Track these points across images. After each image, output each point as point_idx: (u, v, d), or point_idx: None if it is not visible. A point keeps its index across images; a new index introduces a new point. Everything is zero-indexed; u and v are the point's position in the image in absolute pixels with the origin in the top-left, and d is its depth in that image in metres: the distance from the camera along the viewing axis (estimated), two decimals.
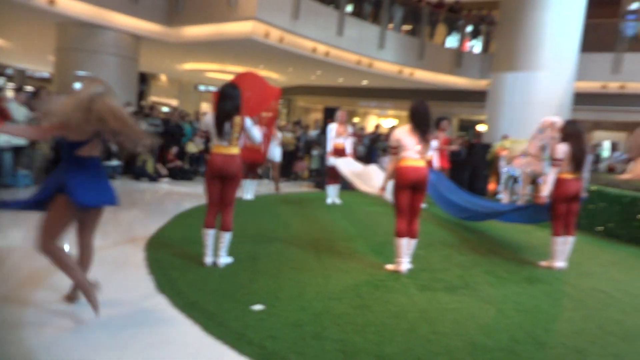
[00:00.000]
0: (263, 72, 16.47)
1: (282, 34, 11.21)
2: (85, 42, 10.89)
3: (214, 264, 4.00)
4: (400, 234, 4.11)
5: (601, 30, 14.66)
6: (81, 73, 10.84)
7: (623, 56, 13.79)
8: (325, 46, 12.40)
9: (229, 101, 3.85)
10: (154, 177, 9.36)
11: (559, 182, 4.65)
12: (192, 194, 8.19)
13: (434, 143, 7.49)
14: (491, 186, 9.43)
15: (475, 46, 16.20)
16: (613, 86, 13.44)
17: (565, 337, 3.01)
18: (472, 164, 11.40)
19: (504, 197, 8.37)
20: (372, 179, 6.11)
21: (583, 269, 4.73)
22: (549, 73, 10.86)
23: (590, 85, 13.61)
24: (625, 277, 4.57)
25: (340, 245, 5.15)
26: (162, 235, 4.95)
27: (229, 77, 16.00)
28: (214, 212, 3.99)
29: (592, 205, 6.75)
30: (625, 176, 8.17)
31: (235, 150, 3.93)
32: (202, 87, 20.95)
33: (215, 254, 4.04)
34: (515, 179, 8.18)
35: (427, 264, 4.52)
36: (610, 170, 12.34)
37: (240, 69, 15.86)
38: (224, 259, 4.05)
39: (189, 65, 16.27)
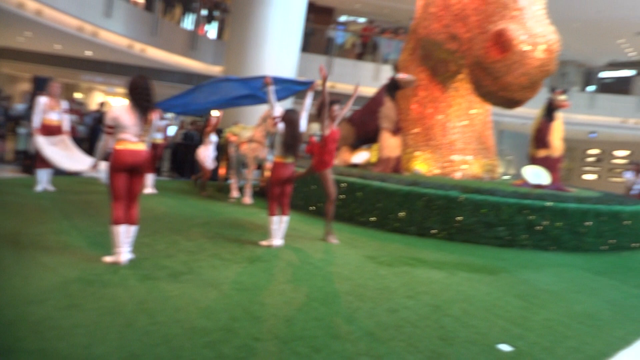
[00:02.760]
0: None
1: None
2: None
3: None
4: (117, 221, 3.80)
5: (318, 35, 16.81)
6: None
7: (334, 60, 16.14)
8: (37, 3, 10.48)
9: None
10: None
11: (274, 166, 5.09)
12: None
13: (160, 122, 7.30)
14: (222, 170, 9.73)
15: (211, 31, 16.38)
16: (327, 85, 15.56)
17: (277, 308, 3.31)
18: None
19: (232, 182, 8.74)
20: (81, 157, 5.48)
21: (296, 245, 5.32)
22: (273, 66, 11.79)
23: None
24: (328, 249, 5.34)
25: (49, 239, 4.47)
26: None
27: None
28: None
29: (306, 188, 7.68)
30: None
31: None
32: None
33: None
34: (243, 164, 8.62)
35: (151, 252, 4.33)
36: None
37: None
38: None
39: None
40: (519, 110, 9.64)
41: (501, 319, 3.55)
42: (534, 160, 9.06)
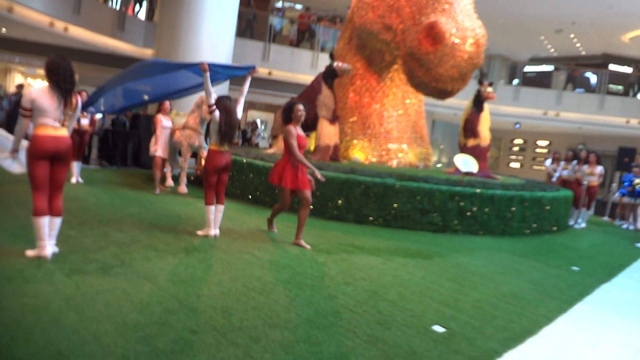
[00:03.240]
0: None
1: None
2: None
3: None
4: (39, 213, 3.54)
5: (254, 21, 16.49)
6: None
7: (270, 47, 15.92)
8: None
9: None
10: None
11: (209, 155, 4.95)
12: None
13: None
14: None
15: (140, 11, 15.58)
16: (263, 72, 15.35)
17: (214, 299, 3.24)
18: (137, 135, 11.07)
19: (167, 171, 8.43)
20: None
21: (234, 235, 5.23)
22: (208, 50, 11.44)
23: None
24: (266, 238, 5.30)
25: None
26: None
27: None
28: None
29: (244, 176, 7.56)
30: (269, 151, 9.50)
31: None
32: None
33: None
34: (179, 152, 8.34)
35: (79, 245, 4.09)
36: (256, 145, 14.20)
37: None
38: None
39: None
40: (450, 101, 10.04)
41: (435, 302, 3.70)
42: (464, 149, 9.49)
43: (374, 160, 9.48)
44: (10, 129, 10.06)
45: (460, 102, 10.99)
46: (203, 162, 7.58)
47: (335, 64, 8.85)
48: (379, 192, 6.60)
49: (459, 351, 2.88)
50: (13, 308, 2.74)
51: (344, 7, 18.07)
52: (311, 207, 6.82)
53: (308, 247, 5.00)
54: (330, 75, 8.90)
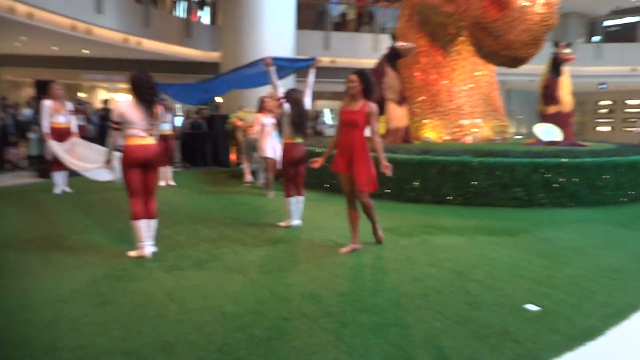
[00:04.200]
0: None
1: None
2: None
3: None
4: (137, 216, 3.87)
5: (312, 11, 16.56)
6: None
7: (331, 35, 15.93)
8: (26, 6, 10.40)
9: None
10: None
11: (284, 148, 5.09)
12: None
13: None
14: (233, 156, 9.76)
15: (204, 17, 16.19)
16: (325, 61, 15.40)
17: (302, 287, 3.36)
18: (214, 136, 11.59)
19: (245, 167, 8.77)
20: (97, 157, 5.45)
21: (315, 223, 5.35)
22: (271, 47, 11.66)
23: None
24: (347, 225, 5.35)
25: (74, 239, 4.55)
26: None
27: None
28: None
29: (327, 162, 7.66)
30: None
31: None
32: None
33: None
34: (253, 148, 8.63)
35: (174, 243, 4.40)
36: (317, 133, 14.23)
37: None
38: None
39: None
40: (525, 68, 9.47)
41: (526, 280, 3.57)
42: (544, 118, 8.96)
43: (447, 138, 9.23)
44: (101, 141, 10.92)
45: (536, 67, 10.34)
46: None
47: (397, 44, 8.68)
48: (455, 171, 6.43)
49: (557, 329, 2.77)
50: (123, 304, 3.01)
51: None
52: (387, 190, 6.82)
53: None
54: (393, 56, 8.75)
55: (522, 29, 7.30)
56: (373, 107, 4.08)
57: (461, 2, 8.48)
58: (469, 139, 9.15)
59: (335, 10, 17.77)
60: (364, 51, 15.86)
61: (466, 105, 9.42)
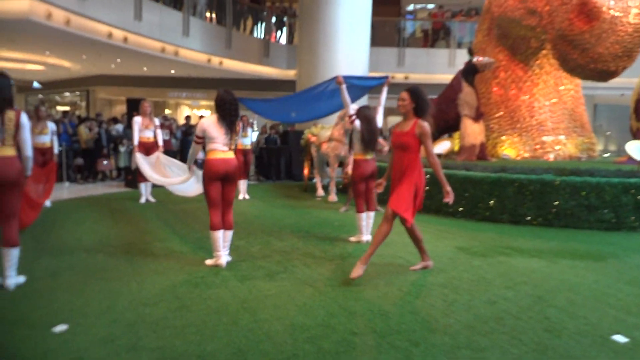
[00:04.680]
0: (51, 60, 14.44)
1: (68, 16, 9.93)
2: None
3: (1, 286, 3.39)
4: (215, 227, 4.05)
5: (386, 28, 16.61)
6: None
7: (405, 51, 15.87)
8: (123, 31, 11.41)
9: None
10: None
11: (355, 164, 5.12)
12: None
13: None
14: (306, 171, 9.95)
15: (281, 37, 16.78)
16: (399, 77, 15.36)
17: (372, 303, 3.34)
18: (288, 150, 11.90)
19: (317, 181, 8.90)
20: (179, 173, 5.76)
21: (385, 240, 5.28)
22: (345, 65, 11.82)
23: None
24: None
25: (156, 246, 4.85)
26: None
27: (7, 65, 13.66)
28: None
29: (387, 182, 7.61)
30: None
31: (10, 152, 3.35)
32: None
33: (1, 274, 3.43)
34: (326, 163, 8.76)
35: (248, 254, 4.55)
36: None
37: (20, 55, 13.63)
38: (14, 279, 3.45)
39: None
40: (615, 81, 8.86)
41: (613, 308, 3.30)
42: (637, 134, 8.30)
43: (526, 155, 8.81)
44: (183, 155, 11.58)
45: (627, 80, 9.63)
46: (348, 170, 7.83)
47: (474, 58, 8.47)
48: (535, 190, 6.11)
49: None
50: (199, 310, 3.15)
51: None
52: (460, 209, 6.61)
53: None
54: (470, 71, 8.54)
55: (613, 41, 6.87)
56: (424, 126, 3.79)
57: (545, 14, 8.14)
58: (550, 157, 8.67)
59: (411, 26, 17.70)
60: (440, 67, 15.63)
61: (548, 121, 8.96)
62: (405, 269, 4.18)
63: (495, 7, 9.21)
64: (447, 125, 9.36)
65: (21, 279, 3.55)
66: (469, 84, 8.54)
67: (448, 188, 3.82)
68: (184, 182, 4.71)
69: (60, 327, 2.80)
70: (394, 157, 3.97)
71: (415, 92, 3.84)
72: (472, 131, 8.50)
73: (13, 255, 3.43)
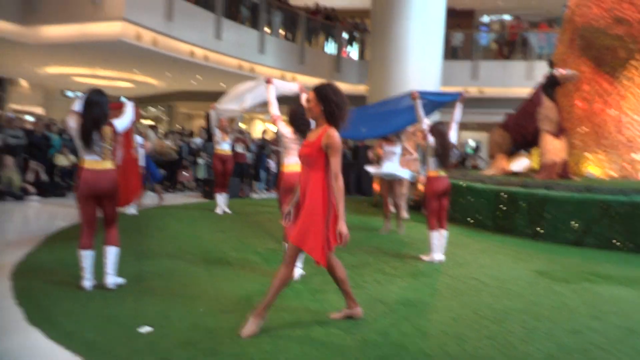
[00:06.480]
0: (138, 77, 15.54)
1: (155, 36, 10.69)
2: None
3: (99, 286, 3.69)
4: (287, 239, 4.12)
5: (459, 40, 16.27)
6: None
7: (479, 64, 15.45)
8: (204, 50, 12.08)
9: (96, 108, 3.55)
10: (20, 196, 8.33)
11: (428, 181, 5.04)
12: (66, 211, 7.44)
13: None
14: (376, 186, 9.91)
15: (352, 52, 16.95)
16: (473, 91, 14.95)
17: (445, 325, 3.25)
18: (358, 165, 11.94)
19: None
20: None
21: (458, 259, 5.17)
22: (417, 79, 11.69)
23: (453, 90, 15.01)
24: (493, 263, 5.09)
25: (232, 255, 5.04)
26: (31, 260, 4.44)
27: (100, 83, 14.89)
28: (91, 232, 3.67)
29: (463, 199, 7.43)
30: (488, 172, 9.12)
31: (109, 165, 3.64)
32: (70, 93, 19.19)
33: (93, 276, 3.71)
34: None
35: (319, 268, 4.54)
36: (474, 167, 13.67)
37: (112, 73, 14.79)
38: (114, 279, 3.73)
39: (53, 69, 14.78)
40: None
41: None
42: None
43: (614, 174, 8.23)
44: (257, 168, 11.95)
45: None
46: (420, 187, 7.73)
47: (555, 71, 8.08)
48: (625, 212, 5.69)
49: None
50: (273, 320, 3.20)
51: (560, 8, 16.39)
52: (540, 230, 6.29)
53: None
54: (551, 85, 8.14)
55: None
56: (333, 136, 2.90)
57: (634, 23, 7.64)
58: None
59: (485, 38, 17.22)
60: (516, 79, 15.04)
61: (639, 138, 8.32)
62: (480, 291, 4.05)
63: (578, 17, 8.75)
64: (525, 141, 8.97)
65: (120, 280, 3.81)
66: (550, 97, 8.14)
67: (343, 228, 2.93)
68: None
69: (146, 328, 2.98)
70: (300, 176, 3.12)
71: (322, 90, 2.98)
72: (554, 147, 8.08)
73: (114, 254, 3.72)
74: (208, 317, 3.25)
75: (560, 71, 8.03)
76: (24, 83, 18.60)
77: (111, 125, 3.66)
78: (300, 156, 3.06)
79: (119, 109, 4.06)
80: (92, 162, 3.58)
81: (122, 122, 3.77)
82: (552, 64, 8.49)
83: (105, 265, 3.70)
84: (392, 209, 8.60)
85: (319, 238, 2.92)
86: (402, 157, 8.04)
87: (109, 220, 3.75)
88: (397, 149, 6.90)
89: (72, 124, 3.59)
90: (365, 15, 17.46)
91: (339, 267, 3.20)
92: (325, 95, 2.94)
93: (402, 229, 6.68)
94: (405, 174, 6.75)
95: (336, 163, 2.89)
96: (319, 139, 2.92)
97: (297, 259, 3.06)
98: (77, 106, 3.63)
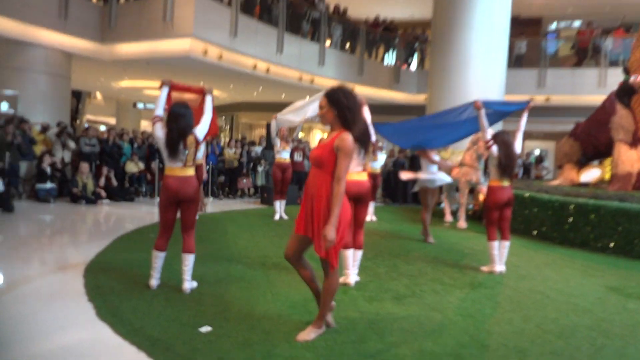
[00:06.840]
0: None
1: (220, 51, 11.16)
2: (12, 60, 10.36)
3: (163, 285, 3.88)
4: (347, 246, 4.13)
5: (527, 48, 15.70)
6: (8, 92, 10.26)
7: (546, 71, 14.83)
8: (266, 63, 12.46)
9: (182, 120, 3.71)
10: (92, 199, 8.93)
11: (490, 191, 4.88)
12: (134, 215, 7.88)
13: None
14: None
15: (412, 63, 16.82)
16: (539, 99, 14.35)
17: (506, 338, 3.14)
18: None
19: (445, 206, 8.66)
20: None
21: (521, 272, 4.96)
22: (479, 88, 11.40)
23: (519, 99, 14.47)
24: (558, 277, 4.84)
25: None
26: (102, 260, 4.73)
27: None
28: (167, 235, 3.86)
29: (526, 211, 7.13)
30: (554, 182, 8.71)
31: (191, 172, 3.83)
32: (140, 105, 20.38)
33: (157, 276, 3.91)
34: (456, 188, 8.50)
35: (375, 275, 4.58)
36: (537, 177, 13.07)
37: None
38: (190, 283, 3.90)
39: (126, 83, 15.79)
40: None
41: None
42: None
43: None
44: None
45: None
46: (481, 197, 7.52)
47: (631, 78, 7.62)
48: None
49: None
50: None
51: (636, 13, 15.48)
52: (611, 244, 5.93)
53: None
54: (626, 93, 7.70)
55: None
56: (345, 139, 2.84)
57: None
58: None
59: (552, 45, 16.50)
60: (587, 87, 14.30)
61: None
62: (544, 305, 3.86)
63: None
64: (597, 151, 8.49)
65: (194, 283, 3.97)
66: (625, 106, 7.70)
67: (330, 233, 2.84)
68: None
69: (206, 328, 3.09)
70: (308, 177, 3.06)
71: (333, 95, 2.91)
72: (628, 158, 7.60)
73: (191, 260, 3.89)
74: (265, 319, 3.32)
75: (636, 78, 7.57)
76: (99, 95, 20.00)
77: (193, 134, 3.82)
78: (311, 157, 3.02)
79: (199, 93, 4.23)
80: (176, 169, 3.77)
81: (202, 130, 3.88)
82: (627, 71, 8.02)
83: (182, 272, 3.86)
84: (451, 217, 8.42)
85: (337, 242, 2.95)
86: (460, 167, 7.87)
87: (187, 226, 3.87)
88: (436, 156, 6.77)
89: (160, 134, 3.73)
90: (425, 26, 17.31)
91: (306, 269, 3.25)
92: (337, 99, 2.90)
93: (431, 238, 6.55)
94: (445, 178, 6.57)
95: (342, 166, 2.83)
96: (332, 141, 2.89)
97: (332, 266, 3.06)
98: (159, 110, 3.82)
